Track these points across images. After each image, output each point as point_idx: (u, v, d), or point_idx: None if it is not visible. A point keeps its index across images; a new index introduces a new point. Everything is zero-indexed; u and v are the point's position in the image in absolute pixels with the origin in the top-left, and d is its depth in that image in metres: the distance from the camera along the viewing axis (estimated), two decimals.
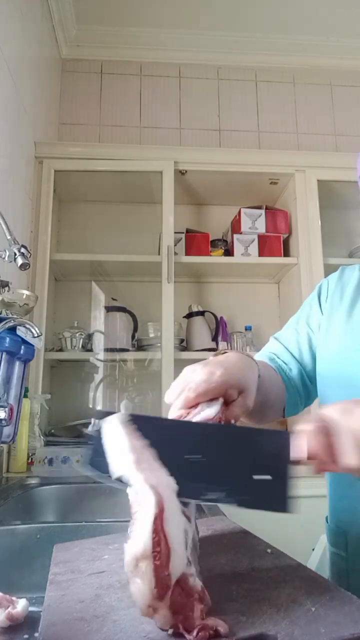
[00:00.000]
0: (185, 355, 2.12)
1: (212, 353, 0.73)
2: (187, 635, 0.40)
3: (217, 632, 0.40)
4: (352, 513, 0.79)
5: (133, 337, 2.24)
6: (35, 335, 1.26)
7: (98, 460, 0.51)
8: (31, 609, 0.48)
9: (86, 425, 2.09)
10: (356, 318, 0.86)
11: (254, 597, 0.48)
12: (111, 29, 2.60)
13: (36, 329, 1.25)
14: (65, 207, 2.45)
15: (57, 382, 2.27)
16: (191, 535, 0.47)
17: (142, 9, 2.49)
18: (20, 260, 1.22)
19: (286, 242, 2.33)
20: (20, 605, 0.47)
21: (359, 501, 0.77)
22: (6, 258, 1.24)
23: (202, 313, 2.28)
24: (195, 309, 2.28)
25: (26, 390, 1.77)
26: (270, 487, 0.49)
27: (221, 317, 2.30)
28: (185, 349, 2.23)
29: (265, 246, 2.26)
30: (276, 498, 0.49)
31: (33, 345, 1.33)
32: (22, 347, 1.29)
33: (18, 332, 1.27)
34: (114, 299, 2.31)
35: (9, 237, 1.25)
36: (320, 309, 0.95)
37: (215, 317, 2.30)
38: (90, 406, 2.28)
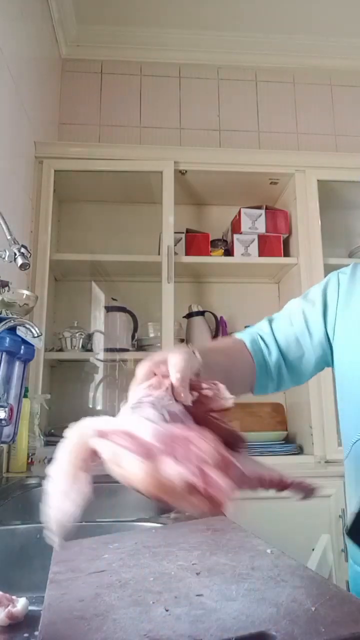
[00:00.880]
0: None
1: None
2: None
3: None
4: None
5: (133, 337, 2.24)
6: (35, 335, 1.26)
7: None
8: (31, 607, 0.48)
9: None
10: None
11: (254, 597, 0.48)
12: (111, 29, 2.60)
13: (36, 329, 1.25)
14: (65, 207, 2.45)
15: (57, 382, 2.27)
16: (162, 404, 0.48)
17: (142, 9, 2.49)
18: (20, 260, 1.22)
19: (286, 242, 2.33)
20: (21, 604, 0.48)
21: None
22: (6, 258, 1.24)
23: (202, 313, 2.28)
24: (195, 309, 2.28)
25: (26, 390, 1.77)
26: None
27: (221, 317, 2.30)
28: None
29: (265, 246, 2.26)
30: None
31: (33, 345, 1.33)
32: (22, 347, 1.29)
33: (18, 332, 1.27)
34: (114, 299, 2.31)
35: (9, 237, 1.25)
36: (324, 310, 0.91)
37: (215, 317, 2.30)
38: (90, 406, 2.28)
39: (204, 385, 0.58)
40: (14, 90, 1.82)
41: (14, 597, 0.49)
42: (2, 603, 0.47)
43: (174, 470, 0.40)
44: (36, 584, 0.64)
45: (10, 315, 1.35)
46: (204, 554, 0.59)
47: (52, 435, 2.04)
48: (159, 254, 2.16)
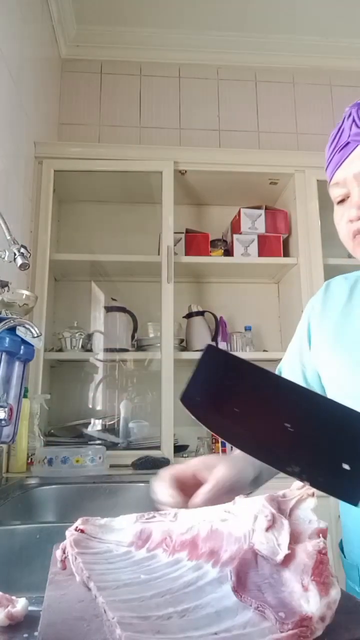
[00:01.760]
0: (185, 355, 2.12)
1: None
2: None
3: None
4: None
5: (133, 337, 2.24)
6: (35, 335, 1.26)
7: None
8: (31, 608, 0.48)
9: (86, 425, 2.10)
10: (345, 339, 0.83)
11: None
12: (111, 29, 2.60)
13: (36, 329, 1.25)
14: (65, 207, 2.45)
15: (57, 382, 2.27)
16: None
17: (142, 9, 2.49)
18: (20, 260, 1.22)
19: (286, 242, 2.33)
20: (20, 604, 0.47)
21: None
22: (6, 258, 1.24)
23: (201, 313, 2.28)
24: (195, 309, 2.28)
25: (26, 390, 1.77)
26: (348, 476, 0.48)
27: (221, 317, 2.30)
28: (185, 349, 2.23)
29: (265, 246, 2.26)
30: (351, 489, 0.49)
31: (33, 345, 1.33)
32: (22, 347, 1.29)
33: (18, 332, 1.27)
34: (113, 299, 2.31)
35: (8, 237, 1.25)
36: (309, 341, 0.92)
37: (215, 317, 2.30)
38: (90, 406, 2.28)
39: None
40: (14, 90, 1.82)
41: (13, 597, 0.49)
42: (2, 603, 0.47)
43: None
44: (36, 584, 0.64)
45: (10, 316, 1.35)
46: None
47: (52, 435, 2.04)
48: (158, 254, 2.16)
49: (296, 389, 0.52)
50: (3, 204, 1.65)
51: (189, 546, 0.51)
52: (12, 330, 1.25)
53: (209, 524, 0.50)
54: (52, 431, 2.08)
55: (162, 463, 1.84)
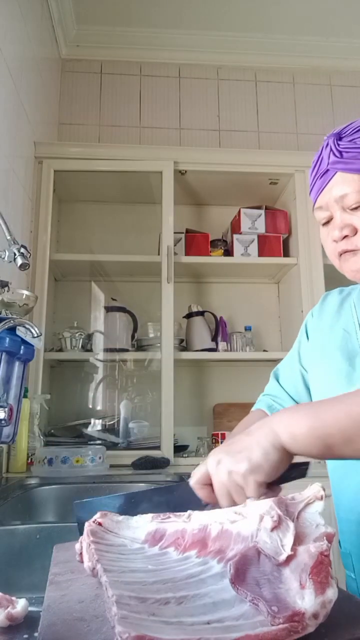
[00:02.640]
0: (185, 355, 2.12)
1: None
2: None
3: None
4: (357, 535, 0.80)
5: (133, 337, 2.24)
6: (35, 335, 1.26)
7: None
8: (31, 608, 0.48)
9: (86, 425, 2.10)
10: (329, 346, 0.89)
11: None
12: (111, 29, 2.60)
13: (36, 329, 1.25)
14: (65, 207, 2.45)
15: (57, 382, 2.27)
16: None
17: (142, 9, 2.49)
18: (20, 261, 1.22)
19: (286, 242, 2.33)
20: (20, 605, 0.47)
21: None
22: (6, 258, 1.24)
23: (201, 313, 2.28)
24: (195, 309, 2.28)
25: (26, 390, 1.77)
26: None
27: (221, 317, 2.30)
28: (185, 349, 2.23)
29: (265, 246, 2.26)
30: None
31: (33, 346, 1.33)
32: (22, 347, 1.29)
33: (18, 332, 1.27)
34: (113, 299, 2.31)
35: (8, 237, 1.25)
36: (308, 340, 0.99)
37: (215, 317, 2.30)
38: (90, 406, 2.28)
39: None
40: (14, 90, 1.82)
41: (13, 598, 0.49)
42: (2, 604, 0.47)
43: None
44: (36, 584, 0.64)
45: (10, 316, 1.35)
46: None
47: (52, 436, 2.04)
48: (158, 254, 2.16)
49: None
50: (3, 204, 1.65)
51: (199, 545, 0.52)
52: (12, 330, 1.25)
53: (220, 525, 0.51)
54: (52, 431, 2.08)
55: (162, 463, 1.84)
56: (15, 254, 1.23)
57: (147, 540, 0.57)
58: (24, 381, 1.34)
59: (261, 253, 2.25)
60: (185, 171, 2.23)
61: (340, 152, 0.80)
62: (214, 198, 2.47)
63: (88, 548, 0.53)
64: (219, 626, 0.38)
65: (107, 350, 2.18)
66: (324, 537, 0.43)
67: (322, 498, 0.48)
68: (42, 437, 1.87)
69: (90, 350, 2.19)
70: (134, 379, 2.33)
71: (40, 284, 2.01)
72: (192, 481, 0.66)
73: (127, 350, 2.20)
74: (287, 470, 0.63)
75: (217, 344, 2.23)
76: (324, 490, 0.49)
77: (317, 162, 0.86)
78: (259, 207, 2.33)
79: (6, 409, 1.14)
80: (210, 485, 0.63)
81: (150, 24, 2.58)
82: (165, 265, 2.09)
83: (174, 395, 1.97)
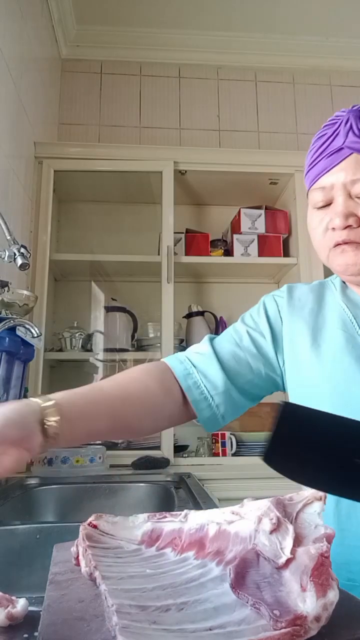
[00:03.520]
0: None
1: None
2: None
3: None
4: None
5: (133, 337, 2.24)
6: (35, 335, 1.26)
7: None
8: (31, 608, 0.48)
9: None
10: (323, 345, 0.81)
11: None
12: (111, 29, 2.60)
13: (36, 329, 1.25)
14: (65, 207, 2.45)
15: (57, 382, 2.27)
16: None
17: (142, 9, 2.49)
18: (20, 261, 1.22)
19: (286, 242, 2.33)
20: (20, 604, 0.47)
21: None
22: (6, 258, 1.24)
23: (201, 313, 2.28)
24: (195, 309, 2.28)
25: (26, 390, 1.77)
26: None
27: (221, 317, 2.30)
28: (185, 349, 2.22)
29: (265, 246, 2.26)
30: None
31: (33, 346, 1.33)
32: (22, 347, 1.29)
33: (18, 332, 1.27)
34: (113, 299, 2.31)
35: (8, 237, 1.25)
36: (273, 338, 0.87)
37: (215, 317, 2.30)
38: None
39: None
40: (14, 90, 1.82)
41: (13, 597, 0.49)
42: (2, 603, 0.47)
43: None
44: (36, 584, 0.64)
45: (10, 316, 1.35)
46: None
47: None
48: (158, 254, 2.16)
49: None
50: (3, 204, 1.65)
51: (196, 546, 0.51)
52: (12, 330, 1.25)
53: (217, 525, 0.51)
54: None
55: (162, 463, 1.84)
56: (15, 254, 1.23)
57: (144, 541, 0.56)
58: (24, 381, 1.35)
59: (261, 253, 2.25)
60: (185, 171, 2.23)
61: None
62: (214, 198, 2.48)
63: (84, 553, 0.52)
64: (221, 632, 0.37)
65: (107, 350, 2.18)
66: (324, 538, 0.43)
67: (321, 498, 0.48)
68: None
69: (90, 350, 2.19)
70: None
71: (40, 284, 2.01)
72: None
73: (127, 350, 2.20)
74: None
75: None
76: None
77: (327, 138, 0.76)
78: (259, 207, 2.33)
79: None
80: None
81: (150, 24, 2.58)
82: (165, 265, 2.09)
83: None
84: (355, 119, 0.73)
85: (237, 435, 2.04)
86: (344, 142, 0.73)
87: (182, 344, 2.26)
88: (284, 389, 0.89)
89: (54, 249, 2.19)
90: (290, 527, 0.44)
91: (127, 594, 0.43)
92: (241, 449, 2.04)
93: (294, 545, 0.43)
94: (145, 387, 0.80)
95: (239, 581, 0.42)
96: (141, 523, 0.59)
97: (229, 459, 2.00)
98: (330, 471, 0.54)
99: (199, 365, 0.85)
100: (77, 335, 2.14)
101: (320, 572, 0.40)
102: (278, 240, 2.29)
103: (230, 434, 2.03)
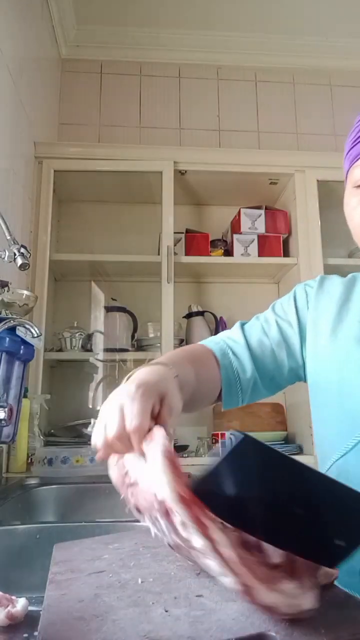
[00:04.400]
0: None
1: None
2: None
3: None
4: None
5: (133, 337, 2.24)
6: (35, 335, 1.26)
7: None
8: (31, 608, 0.48)
9: (86, 425, 2.09)
10: (340, 335, 0.82)
11: None
12: (111, 29, 2.60)
13: (36, 329, 1.25)
14: (65, 207, 2.45)
15: (57, 382, 2.27)
16: None
17: (142, 9, 2.49)
18: (19, 261, 1.22)
19: (286, 242, 2.33)
20: (20, 604, 0.47)
21: None
22: (6, 258, 1.24)
23: (201, 313, 2.28)
24: (195, 309, 2.28)
25: (26, 390, 1.77)
26: (338, 549, 0.48)
27: (221, 317, 2.30)
28: None
29: (265, 246, 2.26)
30: (337, 559, 0.48)
31: (33, 346, 1.33)
32: (22, 347, 1.29)
33: (18, 332, 1.27)
34: (113, 299, 2.31)
35: (8, 237, 1.25)
36: (300, 327, 0.89)
37: (215, 317, 2.30)
38: (90, 406, 2.28)
39: None
40: (14, 90, 1.82)
41: (13, 597, 0.49)
42: (2, 603, 0.47)
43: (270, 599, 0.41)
44: (36, 584, 0.64)
45: (10, 316, 1.35)
46: None
47: (52, 436, 2.04)
48: (158, 254, 2.16)
49: (322, 479, 0.49)
50: (3, 204, 1.65)
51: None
52: (12, 330, 1.25)
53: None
54: (52, 431, 2.08)
55: None
56: (15, 254, 1.23)
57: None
58: (24, 381, 1.35)
59: (261, 253, 2.25)
60: (185, 171, 2.23)
61: None
62: (214, 198, 2.48)
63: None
64: None
65: (107, 350, 2.18)
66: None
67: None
68: (42, 437, 1.87)
69: (90, 350, 2.19)
70: None
71: (40, 284, 2.01)
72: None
73: (127, 350, 2.20)
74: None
75: None
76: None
77: None
78: (259, 207, 2.33)
79: (6, 409, 1.14)
80: None
81: (150, 24, 2.58)
82: (165, 265, 2.09)
83: None
84: None
85: None
86: None
87: (182, 344, 2.26)
88: (305, 380, 0.90)
89: (54, 249, 2.19)
90: None
91: None
92: None
93: None
94: (208, 368, 0.83)
95: None
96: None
97: None
98: (264, 517, 0.48)
99: (234, 348, 0.88)
100: (77, 335, 2.14)
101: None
102: (278, 240, 2.29)
103: (230, 434, 2.03)
